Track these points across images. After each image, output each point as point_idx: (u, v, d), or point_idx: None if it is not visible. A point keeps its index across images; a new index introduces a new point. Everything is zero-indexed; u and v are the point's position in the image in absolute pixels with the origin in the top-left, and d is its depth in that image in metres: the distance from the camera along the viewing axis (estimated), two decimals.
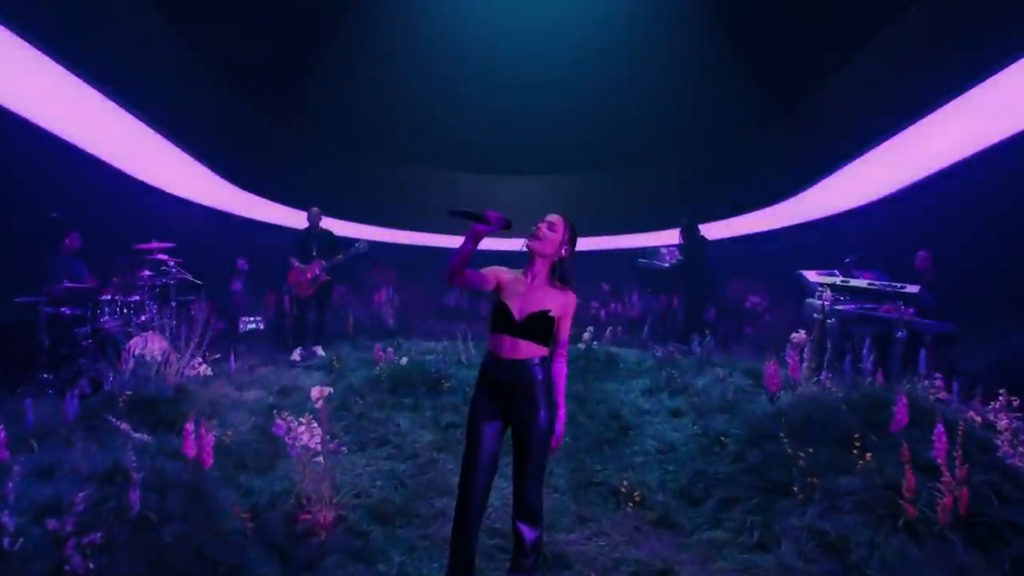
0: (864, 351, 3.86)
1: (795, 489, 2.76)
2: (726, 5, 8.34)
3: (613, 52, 9.46)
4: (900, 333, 4.34)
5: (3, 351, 4.38)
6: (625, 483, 3.17)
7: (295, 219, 8.41)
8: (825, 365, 3.85)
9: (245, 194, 9.16)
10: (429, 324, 8.87)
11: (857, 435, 2.82)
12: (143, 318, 4.83)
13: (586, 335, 5.73)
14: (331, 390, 2.93)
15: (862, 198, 7.72)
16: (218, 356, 4.53)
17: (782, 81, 7.96)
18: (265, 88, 8.55)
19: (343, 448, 2.84)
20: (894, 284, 4.63)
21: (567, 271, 2.14)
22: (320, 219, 6.59)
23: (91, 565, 1.91)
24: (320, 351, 6.27)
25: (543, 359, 2.10)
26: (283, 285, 6.95)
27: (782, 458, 2.95)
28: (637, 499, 3.08)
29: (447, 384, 4.74)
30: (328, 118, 10.06)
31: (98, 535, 1.97)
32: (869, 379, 3.67)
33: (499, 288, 2.12)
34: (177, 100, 6.80)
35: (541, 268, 2.12)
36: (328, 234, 6.59)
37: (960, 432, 2.40)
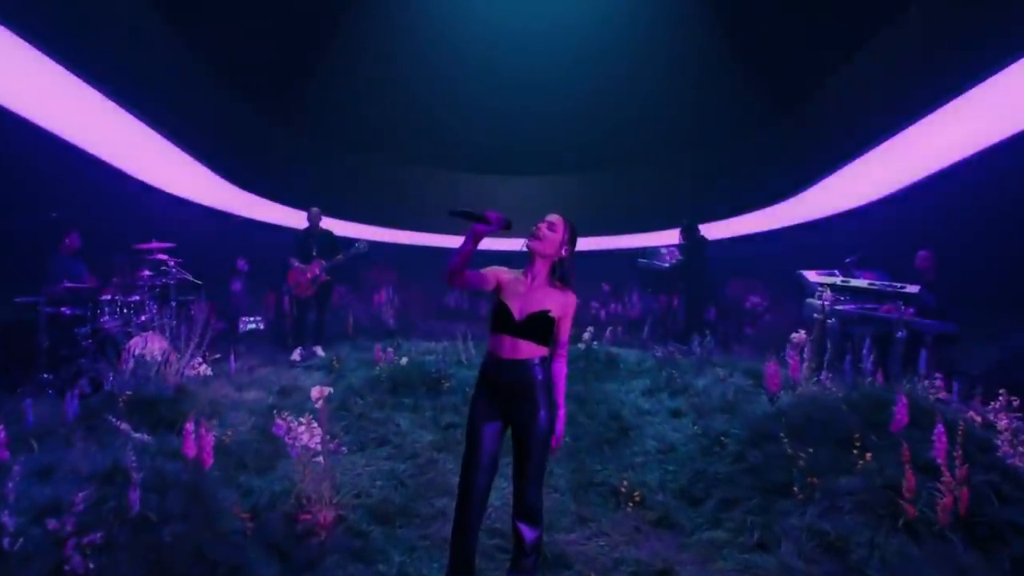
0: (864, 351, 3.86)
1: (795, 489, 2.76)
2: (726, 5, 8.34)
3: (613, 52, 9.46)
4: (900, 333, 4.33)
5: (3, 351, 4.37)
6: (625, 483, 3.17)
7: (295, 219, 8.41)
8: (825, 365, 3.85)
9: (245, 194, 9.16)
10: (429, 324, 8.87)
11: (857, 435, 2.82)
12: (143, 318, 4.83)
13: (586, 335, 5.73)
14: (331, 390, 2.93)
15: (862, 198, 7.71)
16: (218, 356, 4.53)
17: (782, 81, 7.96)
18: (265, 88, 8.55)
19: (343, 448, 2.84)
20: (894, 284, 4.63)
21: (567, 271, 2.13)
22: (320, 219, 6.59)
23: (91, 565, 1.91)
24: (320, 351, 6.27)
25: (543, 359, 2.10)
26: (283, 285, 6.95)
27: (782, 458, 2.95)
28: (637, 499, 3.08)
29: (447, 384, 4.74)
30: (328, 118, 10.06)
31: (98, 535, 1.97)
32: (869, 379, 3.67)
33: (499, 288, 2.12)
34: (177, 100, 6.80)
35: (541, 268, 2.12)
36: (328, 234, 6.59)
37: (960, 432, 2.40)
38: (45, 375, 4.28)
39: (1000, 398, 2.89)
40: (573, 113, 10.39)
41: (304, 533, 2.55)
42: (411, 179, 11.80)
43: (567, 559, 2.54)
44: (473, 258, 1.97)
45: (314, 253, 6.34)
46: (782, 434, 3.04)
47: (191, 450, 2.57)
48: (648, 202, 11.05)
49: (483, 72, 9.97)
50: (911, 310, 4.54)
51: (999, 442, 2.67)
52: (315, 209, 6.59)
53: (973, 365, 4.51)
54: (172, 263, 5.33)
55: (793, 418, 3.31)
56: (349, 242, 6.46)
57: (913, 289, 4.49)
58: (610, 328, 6.66)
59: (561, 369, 2.16)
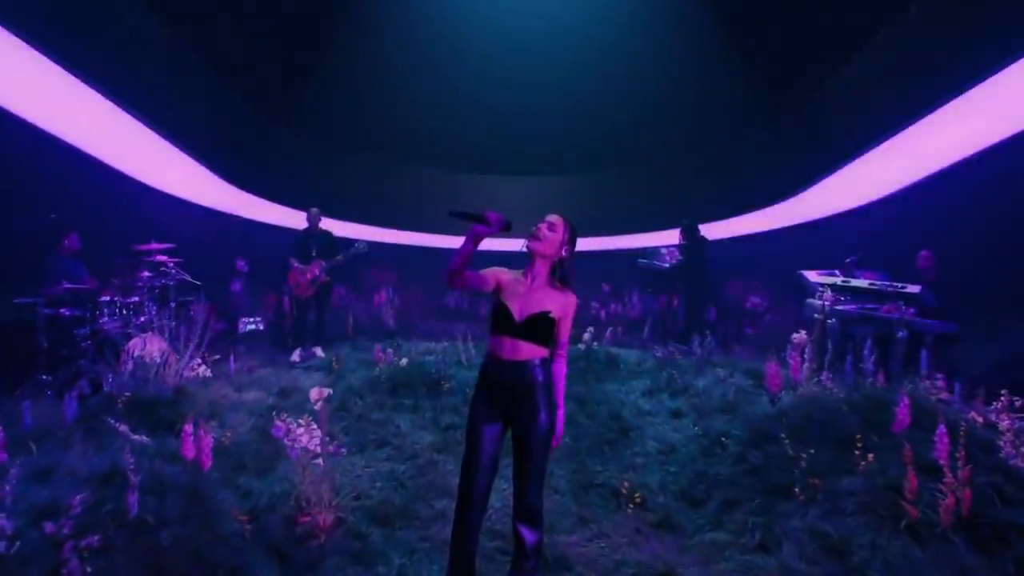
0: (865, 351, 3.85)
1: (796, 490, 2.75)
2: (726, 5, 8.33)
3: (613, 52, 9.46)
4: (901, 333, 4.32)
5: (2, 352, 4.37)
6: (626, 484, 3.17)
7: (295, 219, 8.39)
8: (826, 365, 3.84)
9: (244, 194, 9.15)
10: (429, 325, 8.87)
11: (859, 436, 2.81)
12: (142, 319, 4.82)
13: (586, 335, 5.72)
14: (330, 391, 2.93)
15: (862, 198, 7.70)
16: (217, 357, 4.52)
17: (782, 81, 7.95)
18: (265, 88, 8.54)
19: (342, 449, 2.83)
20: (895, 284, 4.62)
21: (567, 272, 2.13)
22: (319, 219, 6.58)
23: (89, 568, 1.90)
24: (320, 352, 6.26)
25: (543, 360, 2.09)
26: (283, 286, 6.94)
27: (783, 459, 2.95)
28: (638, 500, 3.08)
29: (447, 385, 4.73)
30: (328, 118, 10.05)
31: (96, 538, 1.96)
32: (870, 379, 3.66)
33: (499, 289, 2.11)
34: (176, 100, 6.79)
35: (541, 269, 2.11)
36: (328, 235, 6.58)
37: (962, 433, 2.39)
38: (44, 376, 4.28)
39: (1002, 398, 2.88)
40: (573, 113, 10.38)
41: (303, 535, 2.54)
42: (411, 179, 11.80)
43: (568, 561, 2.54)
44: (473, 259, 1.96)
45: (314, 254, 6.33)
46: (783, 435, 3.04)
47: (190, 452, 2.56)
48: (648, 202, 11.05)
49: (483, 72, 9.96)
50: (912, 310, 4.53)
51: (1001, 443, 2.66)
52: (314, 209, 6.59)
53: (974, 365, 4.50)
54: (171, 264, 5.32)
55: (794, 419, 3.30)
56: (349, 242, 6.45)
57: (914, 289, 4.49)
58: (610, 328, 6.66)
59: (561, 369, 2.15)
